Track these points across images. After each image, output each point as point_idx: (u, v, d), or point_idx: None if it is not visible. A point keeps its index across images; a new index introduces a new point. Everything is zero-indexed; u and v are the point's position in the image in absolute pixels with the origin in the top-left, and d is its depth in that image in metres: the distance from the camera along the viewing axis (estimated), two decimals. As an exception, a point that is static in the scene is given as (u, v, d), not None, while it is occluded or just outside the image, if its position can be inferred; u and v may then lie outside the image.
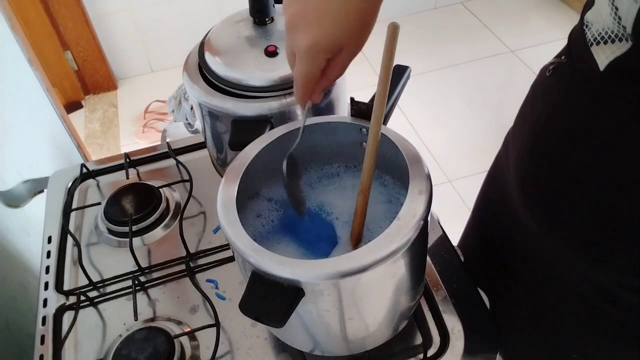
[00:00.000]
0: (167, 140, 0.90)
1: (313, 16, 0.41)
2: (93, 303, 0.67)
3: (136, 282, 0.67)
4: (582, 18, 0.45)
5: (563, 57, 0.48)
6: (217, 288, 0.66)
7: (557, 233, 0.50)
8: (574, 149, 0.46)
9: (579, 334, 0.57)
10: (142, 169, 0.84)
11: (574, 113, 0.46)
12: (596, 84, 0.42)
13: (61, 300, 0.67)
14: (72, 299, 0.67)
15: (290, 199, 0.53)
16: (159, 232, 0.74)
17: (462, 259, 0.68)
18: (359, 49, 0.45)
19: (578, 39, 0.44)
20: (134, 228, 0.72)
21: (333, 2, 0.41)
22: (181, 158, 0.83)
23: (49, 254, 0.72)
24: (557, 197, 0.49)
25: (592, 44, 0.42)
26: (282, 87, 0.63)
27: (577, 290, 0.53)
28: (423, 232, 0.46)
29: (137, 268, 0.68)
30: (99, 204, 0.76)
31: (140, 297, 0.67)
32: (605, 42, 0.40)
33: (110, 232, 0.73)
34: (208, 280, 0.67)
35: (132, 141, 2.09)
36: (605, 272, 0.48)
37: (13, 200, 0.90)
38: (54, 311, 0.66)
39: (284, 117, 0.64)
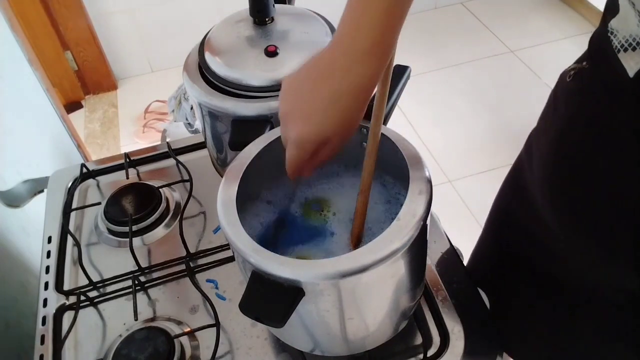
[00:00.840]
0: (167, 140, 0.90)
1: (303, 112, 0.46)
2: (93, 303, 0.67)
3: (136, 282, 0.67)
4: (604, 24, 0.44)
5: (584, 63, 0.48)
6: (217, 288, 0.66)
7: (585, 237, 0.50)
8: (598, 153, 0.46)
9: (601, 341, 0.56)
10: (142, 169, 0.84)
11: (598, 117, 0.45)
12: (625, 90, 0.42)
13: (61, 300, 0.67)
14: (72, 299, 0.67)
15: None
16: (159, 232, 0.74)
17: (462, 258, 0.68)
18: (345, 141, 0.48)
19: (602, 45, 0.44)
20: (134, 228, 0.72)
21: (323, 101, 0.45)
22: (181, 158, 0.83)
23: (49, 254, 0.72)
24: (583, 201, 0.49)
25: (619, 50, 0.42)
26: (282, 87, 0.63)
27: (605, 297, 0.52)
28: (423, 232, 0.46)
29: (137, 268, 0.68)
30: (99, 204, 0.76)
31: (140, 297, 0.67)
32: (634, 49, 0.40)
33: (110, 232, 0.73)
34: (208, 280, 0.67)
35: (132, 141, 2.09)
36: (636, 278, 0.48)
37: (13, 200, 0.90)
38: (54, 311, 0.66)
39: (284, 117, 0.64)
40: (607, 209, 0.47)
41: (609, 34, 0.43)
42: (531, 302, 0.63)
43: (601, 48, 0.45)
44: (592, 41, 0.47)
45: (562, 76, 0.52)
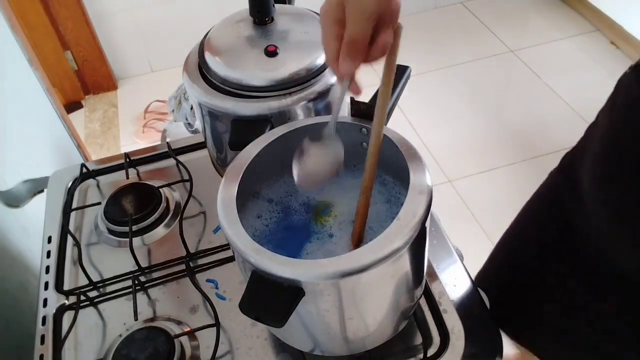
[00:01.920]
0: (167, 140, 0.90)
1: None
2: (93, 303, 0.67)
3: (136, 282, 0.67)
4: None
5: None
6: (217, 288, 0.66)
7: (629, 235, 0.49)
8: None
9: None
10: (142, 168, 0.84)
11: None
12: None
13: (61, 300, 0.67)
14: (72, 299, 0.67)
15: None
16: (159, 232, 0.74)
17: (462, 258, 0.68)
18: (394, 21, 0.45)
19: None
20: (134, 228, 0.72)
21: None
22: (181, 158, 0.83)
23: (49, 254, 0.72)
24: (631, 192, 0.48)
25: None
26: (282, 87, 0.63)
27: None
28: (423, 232, 0.46)
29: (137, 268, 0.68)
30: (99, 203, 0.76)
31: (140, 297, 0.67)
32: None
33: (110, 232, 0.73)
34: (208, 280, 0.67)
35: (132, 141, 2.09)
36: None
37: (13, 200, 0.90)
38: (54, 311, 0.66)
39: (283, 117, 0.64)
40: None
41: None
42: (566, 312, 0.62)
43: None
44: None
45: (626, 71, 0.52)
